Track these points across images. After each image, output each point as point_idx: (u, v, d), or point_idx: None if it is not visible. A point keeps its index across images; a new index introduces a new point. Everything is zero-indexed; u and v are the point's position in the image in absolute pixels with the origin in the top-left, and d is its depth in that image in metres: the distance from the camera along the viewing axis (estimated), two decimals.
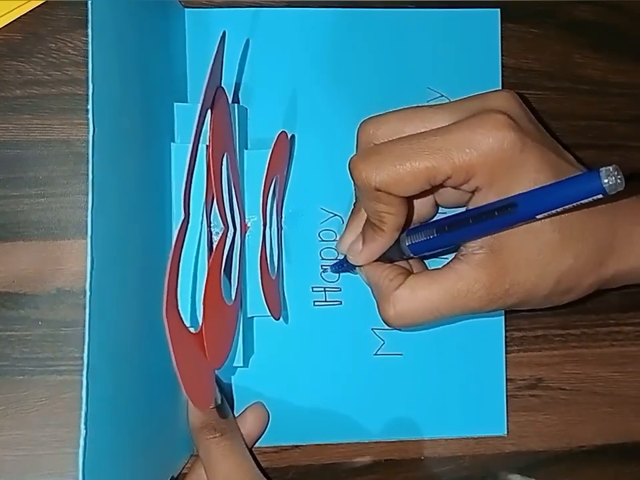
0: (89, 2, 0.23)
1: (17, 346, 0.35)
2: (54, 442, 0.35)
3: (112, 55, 0.25)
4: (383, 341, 0.38)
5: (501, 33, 0.38)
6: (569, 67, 0.39)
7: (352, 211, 0.34)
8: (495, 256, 0.28)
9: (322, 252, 0.38)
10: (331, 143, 0.37)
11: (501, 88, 0.38)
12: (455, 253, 0.30)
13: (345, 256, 0.34)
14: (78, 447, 0.21)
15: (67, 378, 0.35)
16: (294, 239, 0.37)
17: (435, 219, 0.33)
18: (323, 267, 0.38)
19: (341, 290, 0.38)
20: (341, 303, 0.38)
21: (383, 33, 0.38)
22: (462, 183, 0.28)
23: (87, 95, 0.23)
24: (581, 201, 0.24)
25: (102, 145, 0.23)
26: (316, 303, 0.37)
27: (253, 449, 0.36)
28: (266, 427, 0.36)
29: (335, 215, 0.38)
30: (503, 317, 0.38)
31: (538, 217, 0.26)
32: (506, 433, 0.38)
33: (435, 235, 0.29)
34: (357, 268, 0.34)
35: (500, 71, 0.38)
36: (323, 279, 0.38)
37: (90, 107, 0.23)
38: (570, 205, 0.24)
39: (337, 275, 0.38)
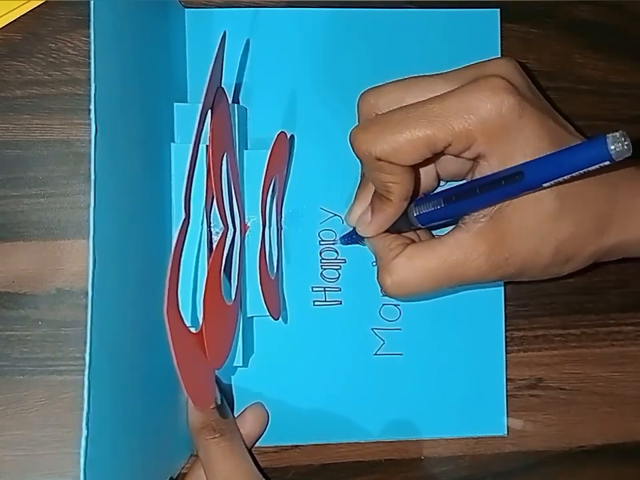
0: (91, 2, 0.23)
1: (16, 346, 0.35)
2: (54, 442, 0.35)
3: (113, 55, 0.25)
4: (383, 341, 0.38)
5: (501, 33, 0.38)
6: (569, 67, 0.39)
7: (360, 183, 0.34)
8: (494, 224, 0.28)
9: (322, 252, 0.38)
10: (330, 142, 0.37)
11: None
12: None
13: (354, 228, 0.34)
14: (79, 447, 0.21)
15: (67, 378, 0.35)
16: (294, 238, 0.37)
17: (441, 189, 0.33)
18: (325, 244, 0.37)
19: (340, 290, 0.38)
20: (340, 303, 0.38)
21: (383, 33, 0.38)
22: (463, 150, 0.28)
23: (87, 94, 0.23)
24: (589, 168, 0.24)
25: (103, 145, 0.23)
26: (316, 303, 0.37)
27: (252, 449, 0.36)
28: (265, 428, 0.36)
29: (335, 214, 0.38)
30: (503, 316, 0.38)
31: (545, 185, 0.26)
32: (506, 433, 0.38)
33: (443, 205, 0.29)
34: (364, 240, 0.34)
35: None
36: (323, 278, 0.38)
37: (92, 107, 0.23)
38: (577, 173, 0.24)
39: (337, 273, 0.38)
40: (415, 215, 0.31)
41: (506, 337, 0.38)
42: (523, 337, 0.39)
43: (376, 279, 0.31)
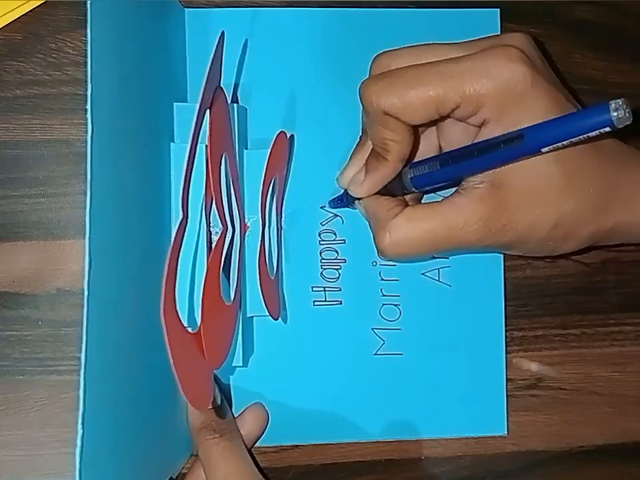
0: (88, 2, 0.23)
1: (16, 346, 0.35)
2: (54, 442, 0.35)
3: (111, 55, 0.25)
4: (383, 340, 0.38)
5: (501, 33, 0.38)
6: (569, 67, 0.39)
7: (356, 145, 0.34)
8: (495, 191, 0.28)
9: (322, 252, 0.38)
10: (330, 142, 0.37)
11: None
12: (455, 188, 0.30)
13: (345, 191, 0.33)
14: (75, 447, 0.21)
15: (67, 378, 0.35)
16: (294, 238, 0.37)
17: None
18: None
19: (340, 290, 0.38)
20: (340, 303, 0.38)
21: (382, 32, 0.38)
22: (470, 114, 0.28)
23: (87, 94, 0.23)
24: (589, 134, 0.24)
25: (100, 144, 0.23)
26: (316, 303, 0.37)
27: (252, 449, 0.36)
28: (265, 428, 0.36)
29: (335, 215, 0.38)
30: (504, 316, 0.38)
31: (544, 150, 0.26)
32: (506, 432, 0.38)
33: (439, 168, 0.29)
34: (355, 202, 0.34)
35: None
36: (323, 278, 0.38)
37: (89, 106, 0.23)
38: (577, 138, 0.24)
39: (337, 273, 0.38)
40: (410, 177, 0.31)
41: (506, 336, 0.38)
42: (522, 337, 0.39)
43: (372, 241, 0.31)
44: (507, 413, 0.38)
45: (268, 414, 0.37)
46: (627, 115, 0.23)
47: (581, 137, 0.24)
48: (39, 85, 0.36)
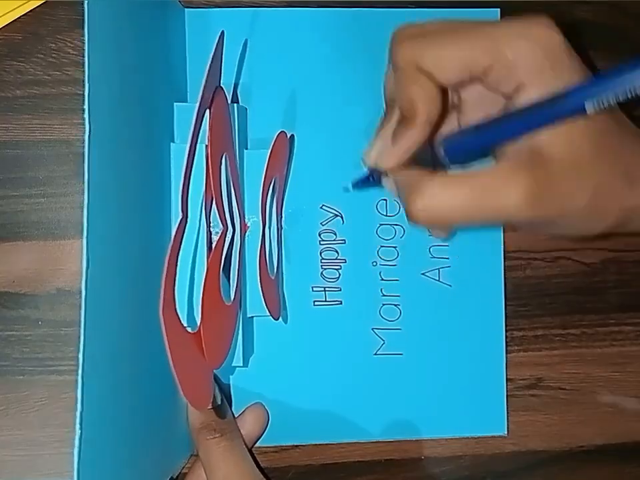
0: (85, 2, 0.23)
1: (16, 346, 0.35)
2: (54, 442, 0.35)
3: (108, 55, 0.25)
4: (383, 340, 0.38)
5: None
6: None
7: (380, 122, 0.33)
8: (535, 158, 0.27)
9: (322, 252, 0.38)
10: (330, 142, 0.37)
11: None
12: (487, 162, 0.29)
13: (370, 170, 0.32)
14: (73, 447, 0.21)
15: (67, 378, 0.35)
16: (294, 238, 0.37)
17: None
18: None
19: (341, 290, 0.38)
20: (341, 303, 0.38)
21: (382, 32, 0.37)
22: (503, 77, 0.27)
23: (84, 94, 0.23)
24: (636, 87, 0.23)
25: (98, 144, 0.23)
26: (316, 303, 0.37)
27: (252, 449, 0.36)
28: (266, 428, 0.36)
29: (336, 214, 0.38)
30: (504, 317, 0.38)
31: (589, 109, 0.25)
32: (506, 432, 0.38)
33: (475, 132, 0.28)
34: (383, 180, 0.32)
35: None
36: (323, 278, 0.38)
37: (86, 106, 0.23)
38: (622, 94, 0.24)
39: (338, 273, 0.38)
40: (444, 147, 0.29)
41: (506, 336, 0.38)
42: (523, 337, 0.39)
43: (402, 206, 0.30)
44: (507, 412, 0.38)
45: (268, 414, 0.37)
46: None
47: (627, 90, 0.23)
48: (39, 85, 0.36)
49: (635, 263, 0.40)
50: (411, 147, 0.29)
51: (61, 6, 0.36)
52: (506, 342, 0.38)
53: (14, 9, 0.35)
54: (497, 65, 0.27)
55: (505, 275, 0.38)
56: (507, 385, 0.38)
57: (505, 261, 0.38)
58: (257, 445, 0.37)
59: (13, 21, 0.35)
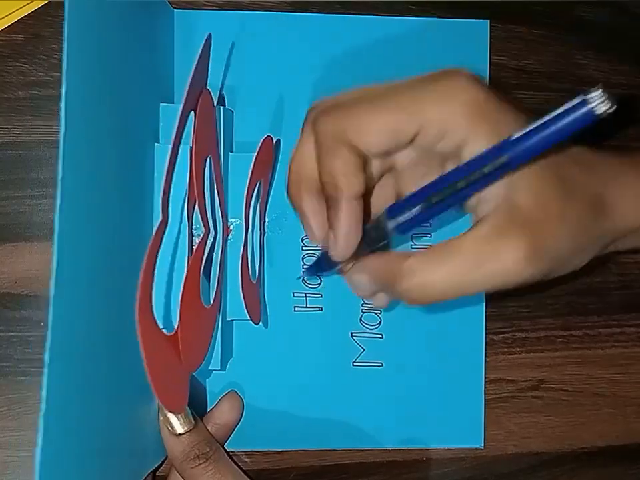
0: (65, 1, 0.22)
1: (18, 347, 0.35)
2: None
3: (88, 54, 0.25)
4: (363, 348, 0.37)
5: (503, 34, 0.38)
6: (570, 67, 0.39)
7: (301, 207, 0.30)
8: (516, 216, 0.25)
9: (304, 258, 0.37)
10: None
11: None
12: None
13: (322, 254, 0.31)
14: (35, 446, 0.21)
15: None
16: (276, 243, 0.37)
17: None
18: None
19: (322, 296, 0.37)
20: (321, 309, 0.37)
21: (370, 39, 0.38)
22: (435, 138, 0.25)
23: (61, 93, 0.22)
24: (575, 129, 0.23)
25: (74, 144, 0.23)
26: (296, 309, 0.37)
27: (252, 451, 0.37)
28: (242, 413, 0.36)
29: None
30: (484, 330, 0.38)
31: (533, 156, 0.24)
32: (482, 445, 0.38)
33: (425, 199, 0.25)
34: (347, 273, 0.30)
35: (488, 79, 0.38)
36: (305, 284, 0.37)
37: (62, 105, 0.22)
38: (564, 136, 0.23)
39: (318, 279, 0.37)
40: (394, 226, 0.27)
41: (507, 337, 0.38)
42: (525, 338, 0.39)
43: (391, 294, 0.28)
44: (509, 415, 0.38)
45: (242, 400, 0.36)
46: (609, 103, 0.22)
47: (567, 134, 0.23)
48: (41, 86, 0.36)
49: (636, 264, 0.40)
50: (349, 229, 0.27)
51: (63, 7, 0.36)
52: (508, 343, 0.38)
53: (16, 10, 0.35)
54: (425, 130, 0.25)
55: None
56: (509, 386, 0.38)
57: None
58: (255, 447, 0.37)
59: (15, 22, 0.35)
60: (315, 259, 0.35)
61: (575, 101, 0.23)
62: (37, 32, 0.36)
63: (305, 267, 0.37)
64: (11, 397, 0.35)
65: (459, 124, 0.25)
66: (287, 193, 0.29)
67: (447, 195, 0.25)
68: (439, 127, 0.25)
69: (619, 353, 0.39)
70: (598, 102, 0.22)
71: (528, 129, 0.24)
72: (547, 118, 0.24)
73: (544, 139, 0.23)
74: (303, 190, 0.29)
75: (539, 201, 0.26)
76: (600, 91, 0.22)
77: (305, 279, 0.37)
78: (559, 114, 0.23)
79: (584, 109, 0.23)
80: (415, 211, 0.26)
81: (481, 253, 0.25)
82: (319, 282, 0.38)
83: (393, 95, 0.26)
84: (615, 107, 0.22)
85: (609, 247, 0.29)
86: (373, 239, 0.28)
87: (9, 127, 0.35)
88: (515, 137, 0.24)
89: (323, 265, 0.32)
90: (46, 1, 0.35)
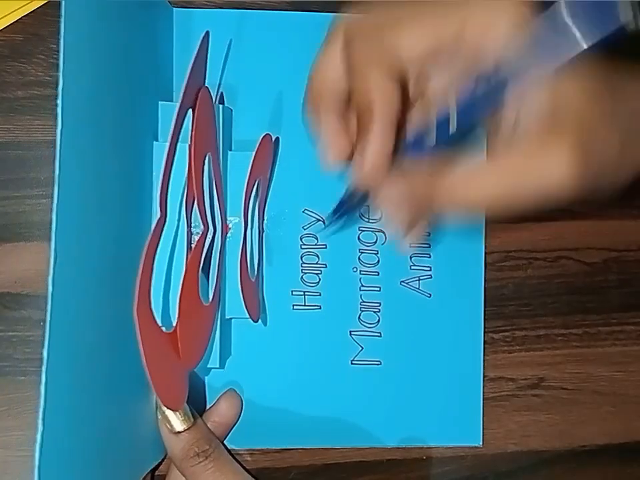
0: (62, 1, 0.23)
1: (18, 346, 0.35)
2: None
3: (86, 53, 0.25)
4: (362, 347, 0.37)
5: None
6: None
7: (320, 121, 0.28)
8: (558, 124, 0.24)
9: (303, 256, 0.37)
10: (315, 146, 0.37)
11: None
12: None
13: (347, 192, 0.29)
14: (34, 444, 0.21)
15: None
16: (275, 241, 0.37)
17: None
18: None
19: (320, 294, 0.37)
20: (320, 308, 0.37)
21: None
22: (477, 38, 0.24)
23: (58, 91, 0.22)
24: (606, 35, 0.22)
25: (71, 142, 0.23)
26: (295, 307, 0.37)
27: (253, 450, 0.37)
28: (241, 412, 0.36)
29: (318, 219, 0.37)
30: (482, 329, 0.38)
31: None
32: (481, 443, 0.38)
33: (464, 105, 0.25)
34: (375, 200, 0.28)
35: None
36: (303, 282, 0.37)
37: (59, 102, 0.22)
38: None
39: (318, 277, 0.37)
40: (434, 133, 0.25)
41: (508, 336, 0.38)
42: (525, 337, 0.39)
43: (432, 208, 0.26)
44: (509, 413, 0.38)
45: (241, 398, 0.36)
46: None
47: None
48: (40, 86, 0.36)
49: (636, 262, 0.40)
50: (385, 149, 0.25)
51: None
52: (508, 341, 0.38)
53: (15, 10, 0.35)
54: (467, 30, 0.24)
55: (506, 274, 0.38)
56: (509, 385, 0.38)
57: (505, 261, 0.38)
58: (255, 446, 0.37)
59: (14, 22, 0.35)
60: (339, 201, 0.32)
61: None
62: (36, 32, 0.36)
63: (329, 211, 0.34)
64: (11, 397, 0.35)
65: (503, 27, 0.24)
66: (306, 106, 0.28)
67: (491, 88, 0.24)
68: (482, 29, 0.24)
69: (619, 351, 0.39)
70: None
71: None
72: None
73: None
74: (324, 105, 0.27)
75: (588, 98, 0.24)
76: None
77: (301, 277, 0.37)
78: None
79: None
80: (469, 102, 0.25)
81: (530, 158, 0.24)
82: (317, 280, 0.37)
83: (433, 6, 0.25)
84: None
85: None
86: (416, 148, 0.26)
87: (8, 126, 0.35)
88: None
89: (348, 203, 0.30)
90: (45, 1, 0.35)
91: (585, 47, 0.23)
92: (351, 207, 0.31)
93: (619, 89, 0.25)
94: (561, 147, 0.23)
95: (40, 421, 0.21)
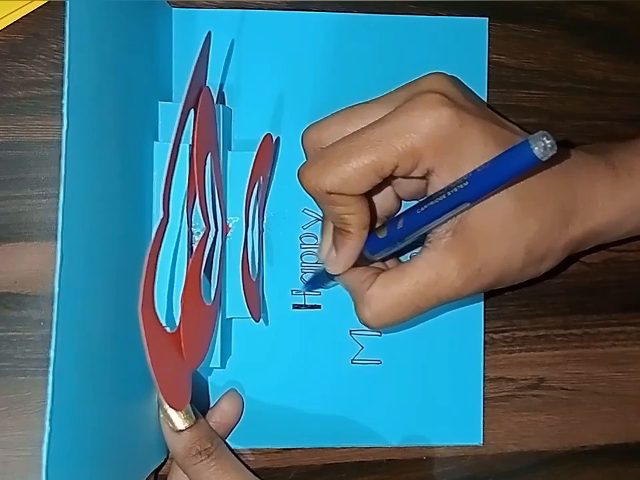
0: (67, 1, 0.23)
1: (18, 346, 0.35)
2: None
3: (89, 53, 0.25)
4: (362, 346, 0.37)
5: (503, 33, 0.38)
6: (570, 66, 0.39)
7: (323, 219, 0.34)
8: (460, 237, 0.28)
9: (302, 256, 0.38)
10: None
11: (485, 95, 0.38)
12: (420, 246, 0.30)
13: (321, 271, 0.34)
14: (42, 444, 0.21)
15: None
16: (275, 241, 0.37)
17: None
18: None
19: (320, 294, 0.37)
20: (320, 307, 0.37)
21: (369, 37, 0.38)
22: (411, 169, 0.27)
23: (63, 91, 0.23)
24: (518, 173, 0.24)
25: (75, 142, 0.23)
26: (295, 306, 0.37)
27: (253, 450, 0.37)
28: (242, 412, 0.36)
29: (317, 218, 0.37)
30: (482, 328, 0.38)
31: (487, 194, 0.26)
32: (482, 442, 0.38)
33: (386, 235, 0.29)
34: (333, 279, 0.33)
35: (486, 76, 0.38)
36: (303, 282, 0.37)
37: (65, 102, 0.22)
38: (509, 179, 0.25)
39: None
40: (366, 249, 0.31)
41: (508, 336, 0.38)
42: (525, 337, 0.39)
43: (355, 314, 0.31)
44: (509, 414, 0.38)
45: (242, 398, 0.36)
46: (550, 146, 0.22)
47: (512, 176, 0.24)
48: (40, 86, 0.36)
49: (636, 262, 0.40)
50: (353, 254, 0.30)
51: (63, 7, 0.35)
52: (508, 342, 0.38)
53: (15, 10, 0.35)
54: (400, 163, 0.27)
55: None
56: (509, 385, 0.38)
57: None
58: (255, 446, 0.37)
59: (14, 22, 0.35)
60: (312, 275, 0.37)
61: (518, 145, 0.23)
62: (36, 32, 0.36)
63: (303, 281, 0.37)
64: (11, 397, 0.35)
65: (427, 156, 0.27)
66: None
67: (409, 222, 0.28)
68: (412, 160, 0.27)
69: (619, 351, 0.39)
70: (539, 145, 0.23)
71: (478, 170, 0.25)
72: (489, 162, 0.25)
73: (490, 181, 0.25)
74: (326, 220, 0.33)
75: (487, 219, 0.27)
76: (541, 133, 0.23)
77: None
78: (502, 157, 0.24)
79: (526, 153, 0.23)
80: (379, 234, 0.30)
81: (425, 274, 0.28)
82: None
83: (364, 136, 0.28)
84: (556, 148, 0.23)
85: (582, 246, 0.30)
86: (361, 258, 0.31)
87: (8, 126, 0.35)
88: (466, 178, 0.26)
89: (320, 279, 0.35)
90: (45, 1, 0.35)
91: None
92: (323, 281, 0.35)
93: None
94: (452, 264, 0.28)
95: (47, 422, 0.21)
